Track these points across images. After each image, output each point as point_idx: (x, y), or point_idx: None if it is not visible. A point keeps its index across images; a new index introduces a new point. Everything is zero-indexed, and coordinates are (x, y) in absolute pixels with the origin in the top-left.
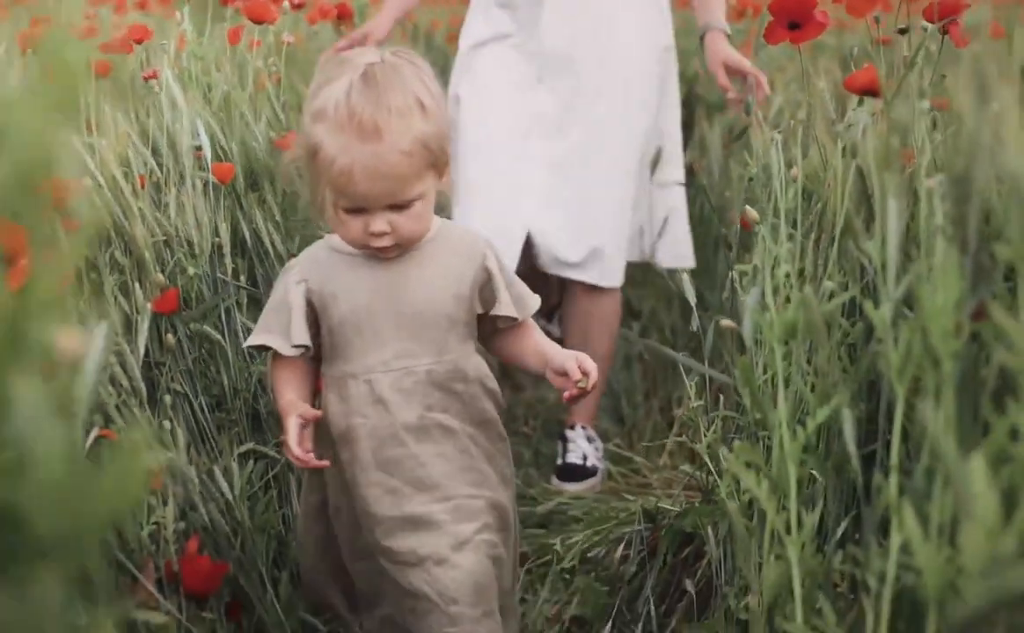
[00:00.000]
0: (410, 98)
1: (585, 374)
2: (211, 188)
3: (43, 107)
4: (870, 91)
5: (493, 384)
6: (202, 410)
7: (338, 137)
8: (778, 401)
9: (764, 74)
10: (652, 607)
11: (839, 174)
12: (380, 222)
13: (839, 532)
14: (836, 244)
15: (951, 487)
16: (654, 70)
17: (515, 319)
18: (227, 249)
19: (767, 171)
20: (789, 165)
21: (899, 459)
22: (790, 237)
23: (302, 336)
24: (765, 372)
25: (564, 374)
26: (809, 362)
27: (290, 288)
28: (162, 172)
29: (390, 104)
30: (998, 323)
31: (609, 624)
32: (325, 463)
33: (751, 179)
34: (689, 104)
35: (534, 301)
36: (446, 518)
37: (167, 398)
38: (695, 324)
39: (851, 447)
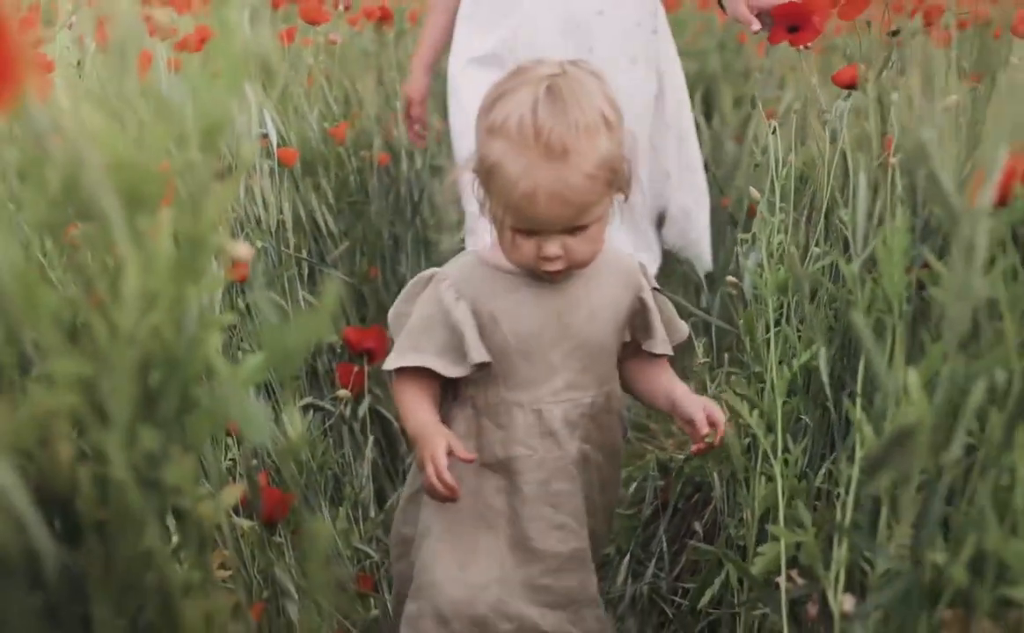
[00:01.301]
0: (596, 115)
1: (713, 426)
2: (275, 172)
3: (221, 88)
4: (853, 86)
5: (624, 413)
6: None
7: (521, 156)
8: (770, 344)
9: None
10: (664, 546)
11: (826, 157)
12: (554, 246)
13: (821, 463)
14: (823, 217)
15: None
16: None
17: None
18: (289, 226)
19: (767, 157)
20: (788, 151)
21: (863, 387)
22: (783, 211)
23: (481, 353)
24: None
25: (691, 423)
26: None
27: (450, 305)
28: (232, 158)
29: (578, 121)
30: (933, 267)
31: (627, 560)
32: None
33: (756, 165)
34: (707, 100)
35: (683, 330)
36: (588, 546)
37: (239, 354)
38: (704, 296)
39: (824, 378)
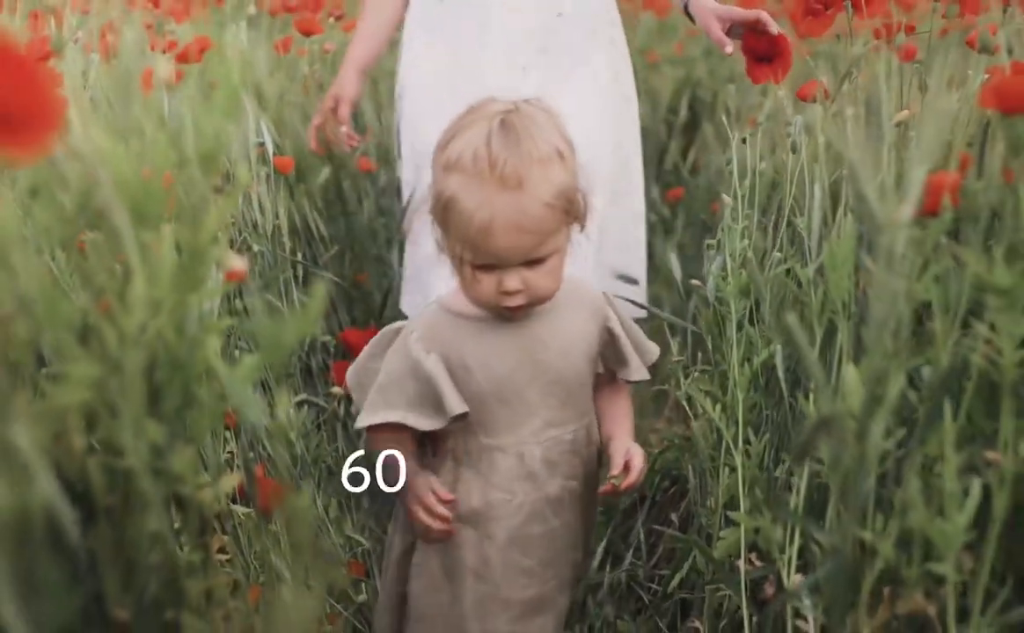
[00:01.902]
0: (550, 147)
1: (624, 471)
2: (271, 179)
3: (217, 111)
4: (818, 99)
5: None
6: (264, 367)
7: (477, 189)
8: (733, 344)
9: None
10: (642, 536)
11: (788, 167)
12: (514, 280)
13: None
14: (786, 223)
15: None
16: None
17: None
18: (284, 231)
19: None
20: (760, 160)
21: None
22: (746, 217)
23: (460, 404)
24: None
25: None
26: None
27: (420, 358)
28: (230, 165)
29: (532, 153)
30: (870, 270)
31: (604, 543)
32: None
33: (731, 172)
34: (693, 107)
35: (653, 352)
36: (555, 594)
37: (236, 353)
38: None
39: (781, 374)
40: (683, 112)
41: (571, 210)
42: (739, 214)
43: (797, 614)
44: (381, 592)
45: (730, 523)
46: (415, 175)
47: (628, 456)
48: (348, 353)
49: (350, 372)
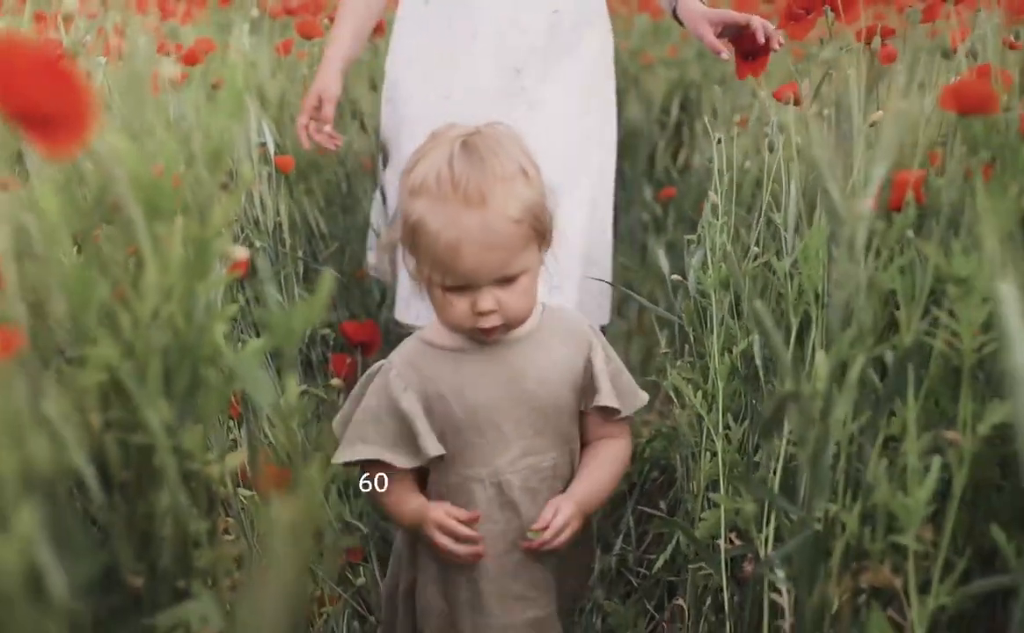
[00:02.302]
0: (514, 165)
1: (541, 529)
2: (273, 178)
3: (222, 112)
4: (796, 101)
5: None
6: (266, 356)
7: (442, 209)
8: (714, 334)
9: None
10: (631, 523)
11: (766, 166)
12: (488, 299)
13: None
14: (765, 219)
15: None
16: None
17: (615, 410)
18: (285, 228)
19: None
20: (745, 158)
21: (794, 369)
22: (725, 214)
23: (436, 447)
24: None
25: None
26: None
27: (398, 395)
28: (234, 163)
29: (495, 170)
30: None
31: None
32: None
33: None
34: (687, 108)
35: (641, 398)
36: (552, 612)
37: (239, 345)
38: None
39: (758, 362)
40: (675, 113)
41: (538, 227)
42: (720, 210)
43: (773, 588)
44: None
45: (713, 506)
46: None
47: (554, 508)
48: (347, 346)
49: (337, 419)
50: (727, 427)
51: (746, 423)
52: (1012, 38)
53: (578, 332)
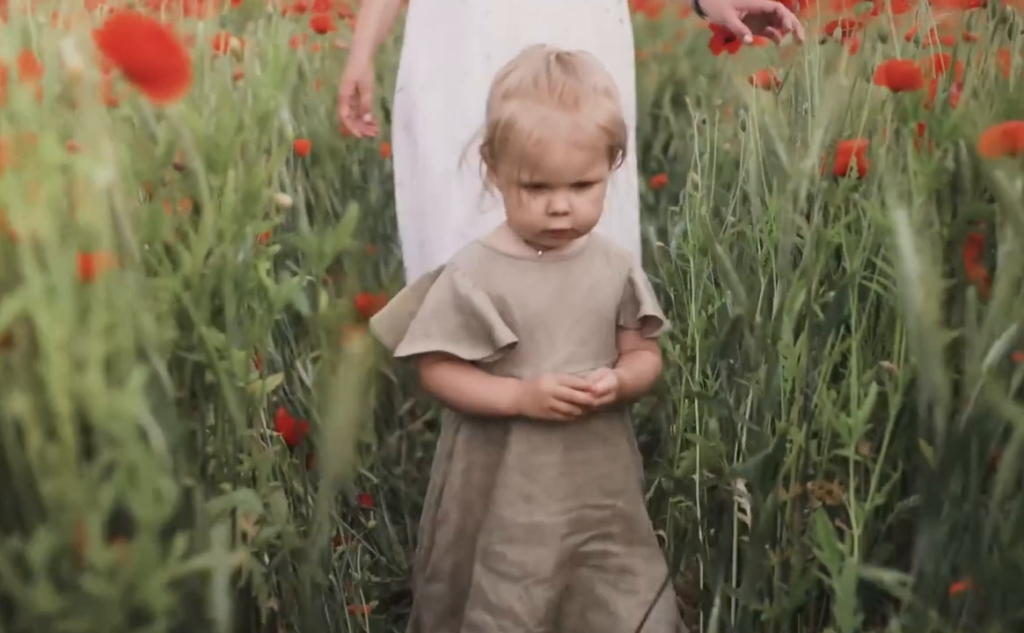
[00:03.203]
0: (603, 80)
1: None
2: (290, 161)
3: (269, 82)
4: (768, 86)
5: None
6: (285, 324)
7: (536, 108)
8: (692, 294)
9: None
10: None
11: (741, 145)
12: (562, 201)
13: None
14: (741, 193)
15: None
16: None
17: (656, 323)
18: (301, 207)
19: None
20: (725, 141)
21: (764, 322)
22: (706, 187)
23: (509, 335)
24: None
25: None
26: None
27: (468, 292)
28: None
29: (588, 81)
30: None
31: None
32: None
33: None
34: (678, 101)
35: (666, 323)
36: (563, 531)
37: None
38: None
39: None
40: (666, 105)
41: (616, 142)
42: (700, 185)
43: (740, 509)
44: None
45: (690, 447)
46: (410, 175)
47: (601, 376)
48: (359, 317)
49: (377, 318)
50: (704, 376)
51: (721, 377)
52: (966, 29)
53: (620, 253)
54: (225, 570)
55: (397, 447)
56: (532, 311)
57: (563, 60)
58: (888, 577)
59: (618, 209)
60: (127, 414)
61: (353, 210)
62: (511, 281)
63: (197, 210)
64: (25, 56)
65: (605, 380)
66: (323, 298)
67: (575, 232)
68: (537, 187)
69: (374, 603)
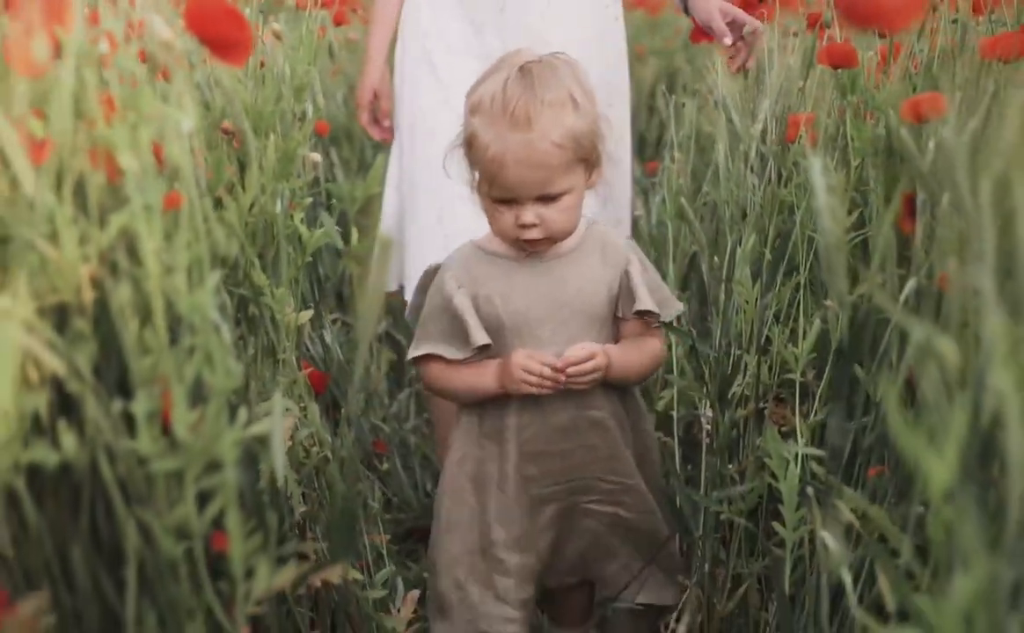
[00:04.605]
0: (563, 93)
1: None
2: (312, 140)
3: (303, 59)
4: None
5: None
6: (311, 289)
7: (492, 127)
8: (670, 254)
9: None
10: None
11: (717, 125)
12: (529, 214)
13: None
14: (714, 166)
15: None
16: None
17: (653, 314)
18: (322, 183)
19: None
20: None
21: (726, 273)
22: (683, 160)
23: (483, 336)
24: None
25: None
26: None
27: (452, 293)
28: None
29: (543, 97)
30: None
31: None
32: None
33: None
34: (674, 89)
35: (677, 306)
36: (569, 493)
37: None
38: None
39: (704, 274)
40: (659, 97)
41: (583, 153)
42: (677, 159)
43: (707, 433)
44: None
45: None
46: (398, 172)
47: (586, 349)
48: None
49: (409, 312)
50: (678, 322)
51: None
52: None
53: (617, 249)
54: (280, 432)
55: (407, 404)
56: (518, 310)
57: (525, 72)
58: (806, 450)
59: (603, 186)
60: (204, 308)
61: (380, 160)
62: (498, 281)
63: (242, 168)
64: (127, 28)
65: (582, 351)
66: (354, 234)
67: (550, 240)
68: (505, 200)
69: (387, 536)
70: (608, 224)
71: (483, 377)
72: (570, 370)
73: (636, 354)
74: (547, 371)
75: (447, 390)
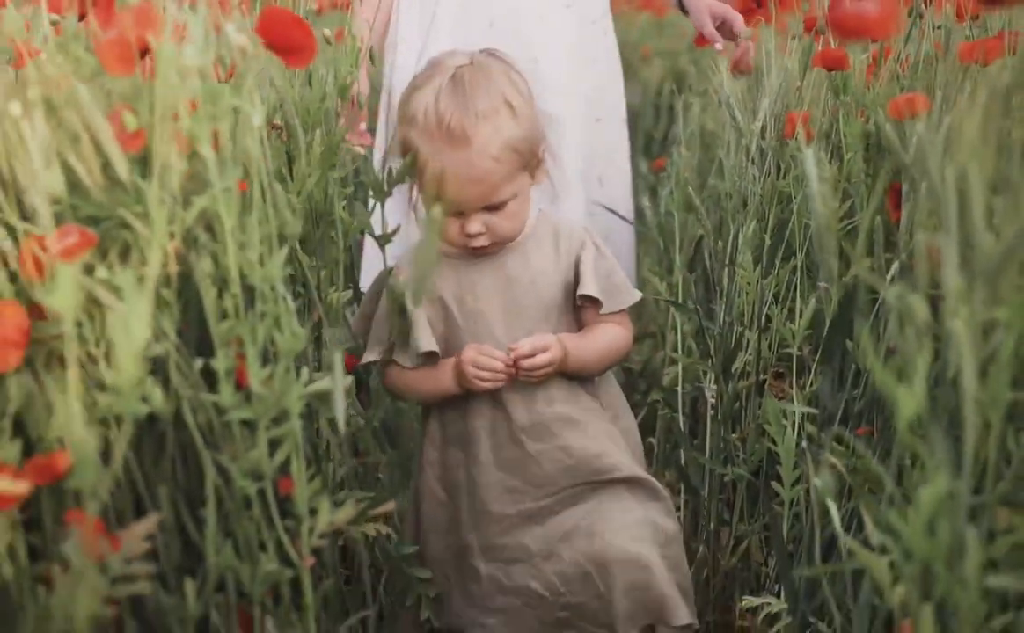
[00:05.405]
0: (497, 100)
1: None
2: None
3: (347, 60)
4: (742, 71)
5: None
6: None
7: (429, 143)
8: (676, 239)
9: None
10: None
11: (721, 122)
12: (475, 224)
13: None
14: (719, 161)
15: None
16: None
17: (595, 299)
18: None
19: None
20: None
21: (730, 255)
22: (689, 154)
23: (429, 342)
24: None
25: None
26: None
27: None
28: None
29: (478, 109)
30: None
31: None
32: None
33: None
34: (680, 89)
35: (632, 295)
36: (558, 506)
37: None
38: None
39: (706, 259)
40: (666, 96)
41: (523, 161)
42: (684, 152)
43: (712, 406)
44: None
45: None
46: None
47: (539, 338)
48: None
49: (355, 319)
50: (684, 302)
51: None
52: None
53: (570, 233)
54: (341, 386)
55: None
56: (471, 309)
57: (457, 81)
58: (800, 409)
59: (596, 180)
60: (273, 279)
61: (410, 157)
62: (449, 281)
63: (290, 160)
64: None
65: (533, 343)
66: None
67: (499, 244)
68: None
69: None
70: (603, 231)
71: (441, 378)
72: (523, 363)
73: (593, 342)
74: (498, 365)
75: (407, 392)
